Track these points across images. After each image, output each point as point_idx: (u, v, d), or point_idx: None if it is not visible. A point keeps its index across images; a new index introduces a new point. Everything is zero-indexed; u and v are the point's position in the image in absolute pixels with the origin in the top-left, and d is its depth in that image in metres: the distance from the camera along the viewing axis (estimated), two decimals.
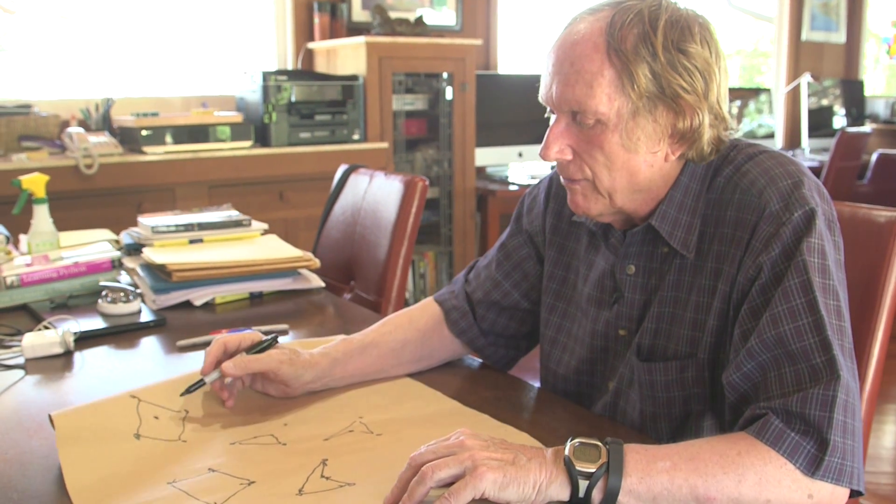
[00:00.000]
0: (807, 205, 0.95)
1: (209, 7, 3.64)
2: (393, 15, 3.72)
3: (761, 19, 5.76)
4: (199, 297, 1.62)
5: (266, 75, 3.24)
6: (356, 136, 3.43)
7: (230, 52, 3.70)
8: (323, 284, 1.76)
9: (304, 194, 3.25)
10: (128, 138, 3.04)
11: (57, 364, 1.30)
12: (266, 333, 1.16)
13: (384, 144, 3.48)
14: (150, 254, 1.69)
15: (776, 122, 5.57)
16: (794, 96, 5.66)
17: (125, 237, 1.86)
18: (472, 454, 0.80)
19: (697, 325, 1.02)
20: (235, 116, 3.19)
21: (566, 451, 0.82)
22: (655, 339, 1.06)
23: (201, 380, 1.06)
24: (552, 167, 1.10)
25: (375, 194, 2.01)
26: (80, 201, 2.80)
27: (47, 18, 3.29)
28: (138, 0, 3.47)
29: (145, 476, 0.91)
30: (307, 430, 1.03)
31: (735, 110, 5.17)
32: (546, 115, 1.06)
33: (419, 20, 3.69)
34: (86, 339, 1.40)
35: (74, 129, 2.92)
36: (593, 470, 0.81)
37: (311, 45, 3.74)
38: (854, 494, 0.86)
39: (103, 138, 2.93)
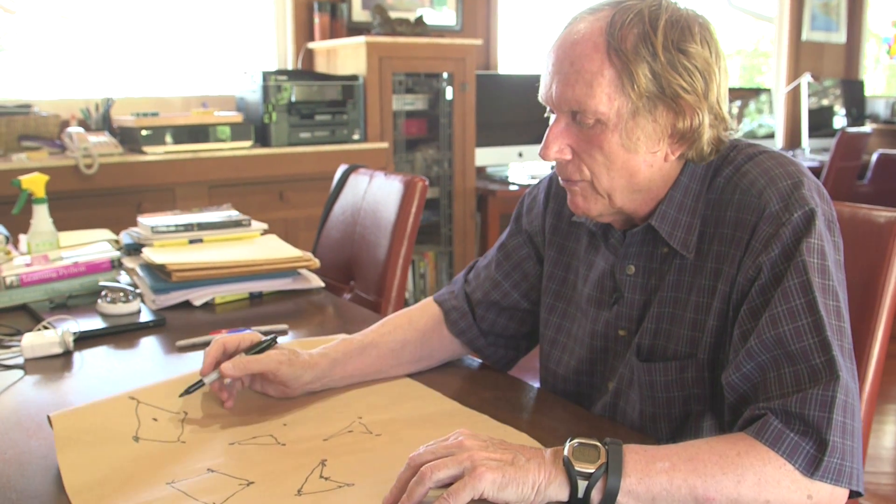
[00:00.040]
0: (806, 205, 0.95)
1: (209, 7, 3.64)
2: (393, 15, 3.72)
3: (761, 19, 5.76)
4: (198, 297, 1.62)
5: (266, 75, 3.24)
6: (356, 136, 3.43)
7: (230, 52, 3.70)
8: (322, 284, 1.76)
9: (304, 194, 3.25)
10: (128, 138, 3.04)
11: (56, 364, 1.30)
12: (265, 334, 1.16)
13: (384, 144, 3.48)
14: (149, 254, 1.69)
15: (776, 122, 5.57)
16: (794, 96, 5.65)
17: (125, 237, 1.85)
18: (471, 454, 0.80)
19: (697, 325, 1.02)
20: (235, 116, 3.19)
21: (565, 452, 0.82)
22: (655, 340, 1.06)
23: (200, 381, 1.06)
24: (552, 167, 1.10)
25: (375, 194, 2.01)
26: (79, 201, 2.80)
27: (47, 18, 3.29)
28: (138, 0, 3.47)
29: (144, 476, 0.90)
30: (306, 430, 1.03)
31: (735, 110, 5.17)
32: (546, 115, 1.06)
33: (419, 20, 3.69)
34: (85, 340, 1.40)
35: (74, 129, 2.92)
36: (592, 470, 0.80)
37: (311, 45, 3.74)
38: (853, 495, 0.86)
39: (103, 138, 2.93)
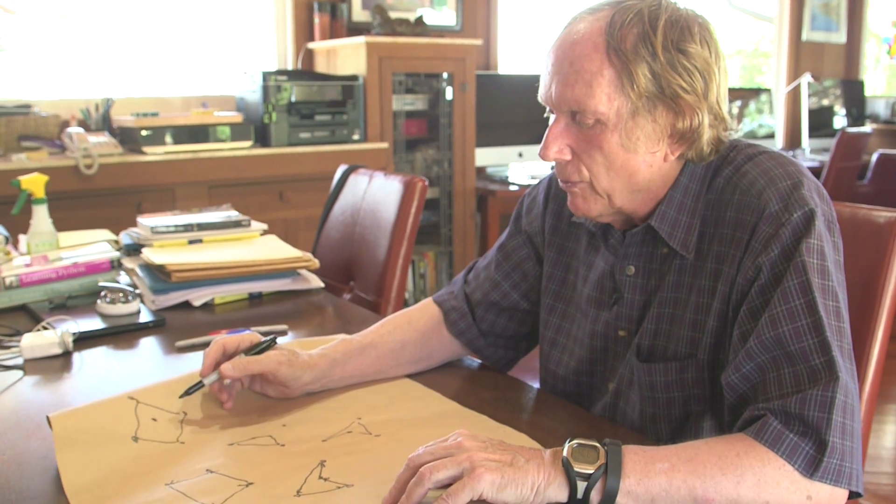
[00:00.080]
0: (806, 205, 0.95)
1: (209, 7, 3.64)
2: (393, 15, 3.72)
3: (762, 19, 5.75)
4: (198, 297, 1.62)
5: (266, 75, 3.24)
6: (356, 137, 3.43)
7: (230, 52, 3.70)
8: (322, 285, 1.76)
9: (304, 194, 3.25)
10: (128, 138, 3.03)
11: (55, 365, 1.30)
12: (265, 334, 1.16)
13: (384, 144, 3.48)
14: (149, 254, 1.69)
15: (776, 122, 5.57)
16: (794, 96, 5.65)
17: (124, 237, 1.85)
18: (470, 455, 0.80)
19: (697, 325, 1.02)
20: (235, 116, 3.19)
21: (564, 453, 0.82)
22: (655, 340, 1.06)
23: (200, 382, 1.06)
24: (552, 167, 1.10)
25: (375, 194, 2.01)
26: (79, 201, 2.80)
27: (47, 18, 3.29)
28: (138, 0, 3.47)
29: (143, 477, 0.90)
30: (305, 430, 1.03)
31: (735, 110, 5.17)
32: (545, 116, 1.05)
33: (419, 20, 3.69)
34: (84, 340, 1.40)
35: (74, 129, 2.92)
36: (591, 471, 0.80)
37: (311, 45, 3.74)
38: (853, 496, 0.86)
39: (103, 138, 2.93)
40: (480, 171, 4.20)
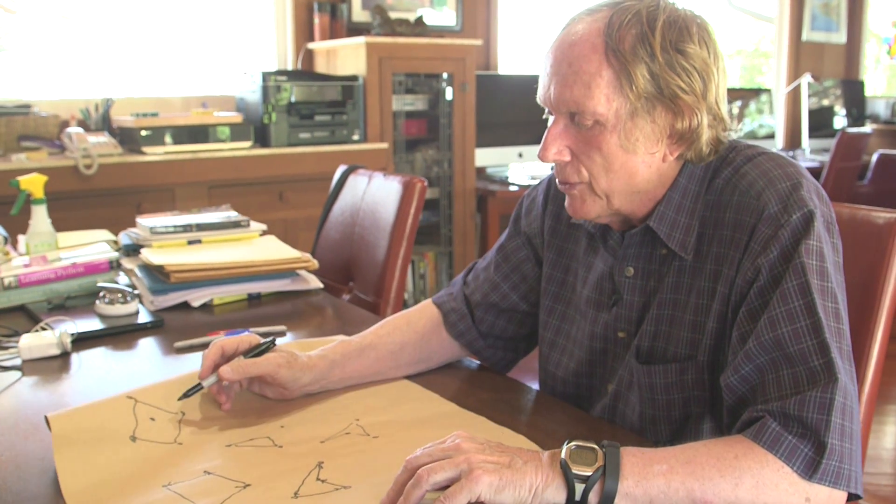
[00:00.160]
0: (805, 207, 0.95)
1: (209, 7, 3.64)
2: (393, 15, 3.72)
3: (762, 19, 5.75)
4: (197, 298, 1.62)
5: (266, 75, 3.24)
6: (356, 137, 3.43)
7: (230, 52, 3.70)
8: (321, 285, 1.76)
9: (304, 195, 3.25)
10: (127, 138, 3.03)
11: (54, 365, 1.30)
12: (264, 335, 1.16)
13: (384, 145, 3.48)
14: (148, 255, 1.69)
15: (777, 122, 5.56)
16: (794, 97, 5.65)
17: (124, 238, 1.85)
18: (468, 457, 0.80)
19: (697, 327, 1.02)
20: (235, 117, 3.19)
21: (562, 454, 0.82)
22: (655, 342, 1.06)
23: (199, 384, 1.06)
24: (552, 168, 1.10)
25: (374, 195, 2.01)
26: (79, 202, 2.80)
27: (47, 18, 3.29)
28: (138, 0, 3.47)
29: (141, 479, 0.90)
30: (303, 432, 1.03)
31: (736, 111, 5.17)
32: (544, 117, 1.05)
33: (419, 20, 3.69)
34: (83, 341, 1.40)
35: (74, 130, 2.92)
36: (589, 473, 0.80)
37: (311, 45, 3.74)
38: (852, 498, 0.85)
39: (103, 138, 2.93)
40: (480, 172, 4.20)
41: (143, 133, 2.96)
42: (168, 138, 3.00)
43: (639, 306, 1.08)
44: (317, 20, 3.72)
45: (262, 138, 3.26)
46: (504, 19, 4.43)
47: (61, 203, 2.48)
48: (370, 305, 1.89)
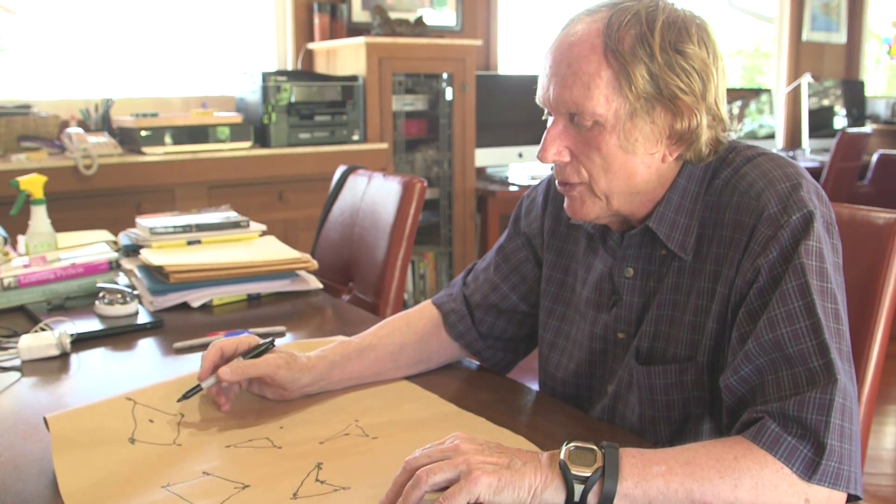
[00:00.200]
0: (805, 207, 0.95)
1: (209, 7, 3.64)
2: (393, 15, 3.72)
3: (762, 19, 5.75)
4: (196, 298, 1.62)
5: (266, 76, 3.24)
6: (356, 137, 3.43)
7: (230, 52, 3.70)
8: (321, 286, 1.76)
9: (304, 195, 3.25)
10: (127, 139, 3.03)
11: (53, 366, 1.30)
12: (263, 336, 1.16)
13: (384, 145, 3.48)
14: (147, 255, 1.69)
15: (777, 122, 5.56)
16: (794, 97, 5.65)
17: (123, 238, 1.85)
18: (467, 458, 0.80)
19: (696, 327, 1.02)
20: (235, 117, 3.19)
21: (562, 455, 0.82)
22: (654, 343, 1.06)
23: (198, 386, 1.06)
24: (552, 168, 1.10)
25: (374, 195, 2.01)
26: (79, 202, 2.80)
27: (47, 18, 3.29)
28: (139, 0, 3.47)
29: (139, 480, 0.90)
30: (303, 433, 1.03)
31: (736, 111, 5.17)
32: (543, 118, 1.05)
33: (419, 20, 3.69)
34: (82, 341, 1.40)
35: (74, 130, 2.92)
36: (588, 474, 0.80)
37: (311, 45, 3.74)
38: (852, 499, 0.85)
39: (102, 139, 2.93)
40: (480, 172, 4.20)
41: (143, 133, 2.96)
42: (168, 138, 3.00)
43: (638, 307, 1.08)
44: (317, 20, 3.72)
45: (261, 138, 3.26)
46: (504, 19, 4.43)
47: (61, 203, 2.48)
48: (370, 306, 1.89)
